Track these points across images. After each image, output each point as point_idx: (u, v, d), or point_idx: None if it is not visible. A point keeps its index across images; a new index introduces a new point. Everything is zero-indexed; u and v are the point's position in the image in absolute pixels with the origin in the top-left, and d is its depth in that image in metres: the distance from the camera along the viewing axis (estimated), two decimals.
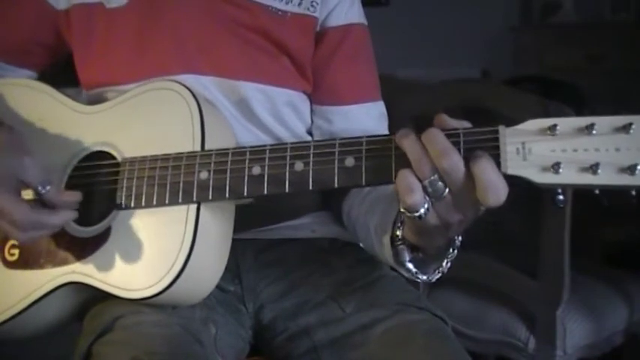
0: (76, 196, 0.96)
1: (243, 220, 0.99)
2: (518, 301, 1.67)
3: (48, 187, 0.94)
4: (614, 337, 1.75)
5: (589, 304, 1.69)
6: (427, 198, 0.78)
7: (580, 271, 1.68)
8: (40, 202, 0.95)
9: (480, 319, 1.74)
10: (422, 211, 0.78)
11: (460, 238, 0.87)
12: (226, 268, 0.98)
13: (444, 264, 0.89)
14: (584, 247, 1.80)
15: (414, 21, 3.94)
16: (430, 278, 0.90)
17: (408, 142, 0.78)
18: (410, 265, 0.90)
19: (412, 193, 0.77)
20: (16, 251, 1.02)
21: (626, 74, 3.09)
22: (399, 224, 0.89)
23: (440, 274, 0.90)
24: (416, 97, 1.74)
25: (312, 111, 1.15)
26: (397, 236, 0.89)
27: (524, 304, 1.66)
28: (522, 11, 4.02)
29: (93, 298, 1.00)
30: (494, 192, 0.75)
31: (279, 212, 1.11)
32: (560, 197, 0.77)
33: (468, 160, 0.76)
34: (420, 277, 0.90)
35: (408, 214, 0.79)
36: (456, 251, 0.88)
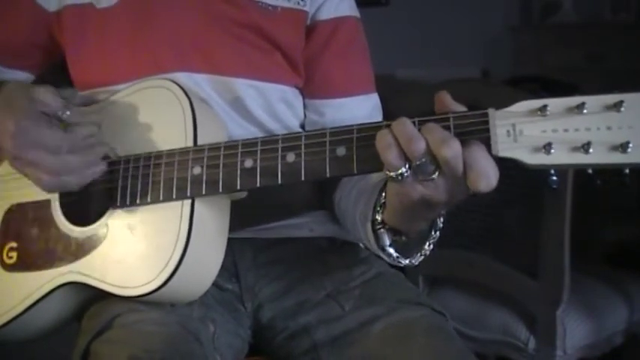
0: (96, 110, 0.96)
1: (241, 218, 0.99)
2: (518, 301, 1.67)
3: (68, 112, 0.94)
4: (614, 337, 1.75)
5: (589, 304, 1.68)
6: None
7: (580, 271, 1.68)
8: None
9: (480, 319, 1.74)
10: (402, 170, 0.78)
11: (442, 219, 0.87)
12: (224, 267, 0.98)
13: (426, 246, 0.89)
14: (584, 247, 1.80)
15: (414, 21, 3.93)
16: (412, 262, 0.90)
17: (400, 126, 0.78)
18: (391, 250, 0.90)
19: (392, 147, 0.77)
20: (15, 254, 1.03)
21: (626, 74, 3.08)
22: (379, 208, 0.89)
23: (422, 257, 0.90)
24: (416, 97, 1.73)
25: (304, 105, 1.14)
26: (377, 220, 0.89)
27: (524, 304, 1.66)
28: (522, 11, 4.02)
29: (92, 297, 1.00)
30: (486, 178, 0.75)
31: (276, 211, 1.11)
32: (554, 178, 0.77)
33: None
34: (401, 261, 0.90)
35: (390, 174, 0.78)
36: (438, 233, 0.88)
